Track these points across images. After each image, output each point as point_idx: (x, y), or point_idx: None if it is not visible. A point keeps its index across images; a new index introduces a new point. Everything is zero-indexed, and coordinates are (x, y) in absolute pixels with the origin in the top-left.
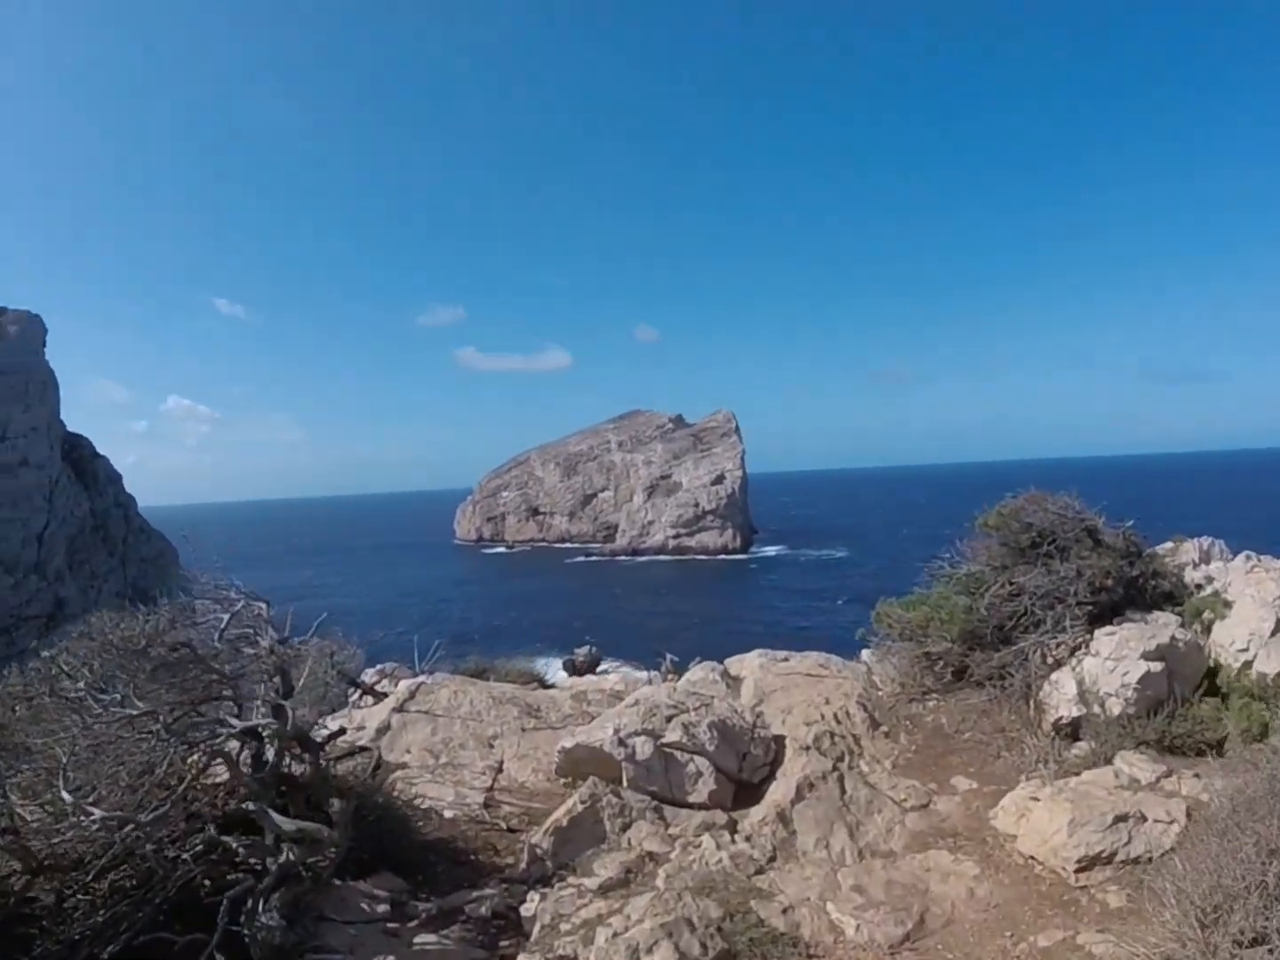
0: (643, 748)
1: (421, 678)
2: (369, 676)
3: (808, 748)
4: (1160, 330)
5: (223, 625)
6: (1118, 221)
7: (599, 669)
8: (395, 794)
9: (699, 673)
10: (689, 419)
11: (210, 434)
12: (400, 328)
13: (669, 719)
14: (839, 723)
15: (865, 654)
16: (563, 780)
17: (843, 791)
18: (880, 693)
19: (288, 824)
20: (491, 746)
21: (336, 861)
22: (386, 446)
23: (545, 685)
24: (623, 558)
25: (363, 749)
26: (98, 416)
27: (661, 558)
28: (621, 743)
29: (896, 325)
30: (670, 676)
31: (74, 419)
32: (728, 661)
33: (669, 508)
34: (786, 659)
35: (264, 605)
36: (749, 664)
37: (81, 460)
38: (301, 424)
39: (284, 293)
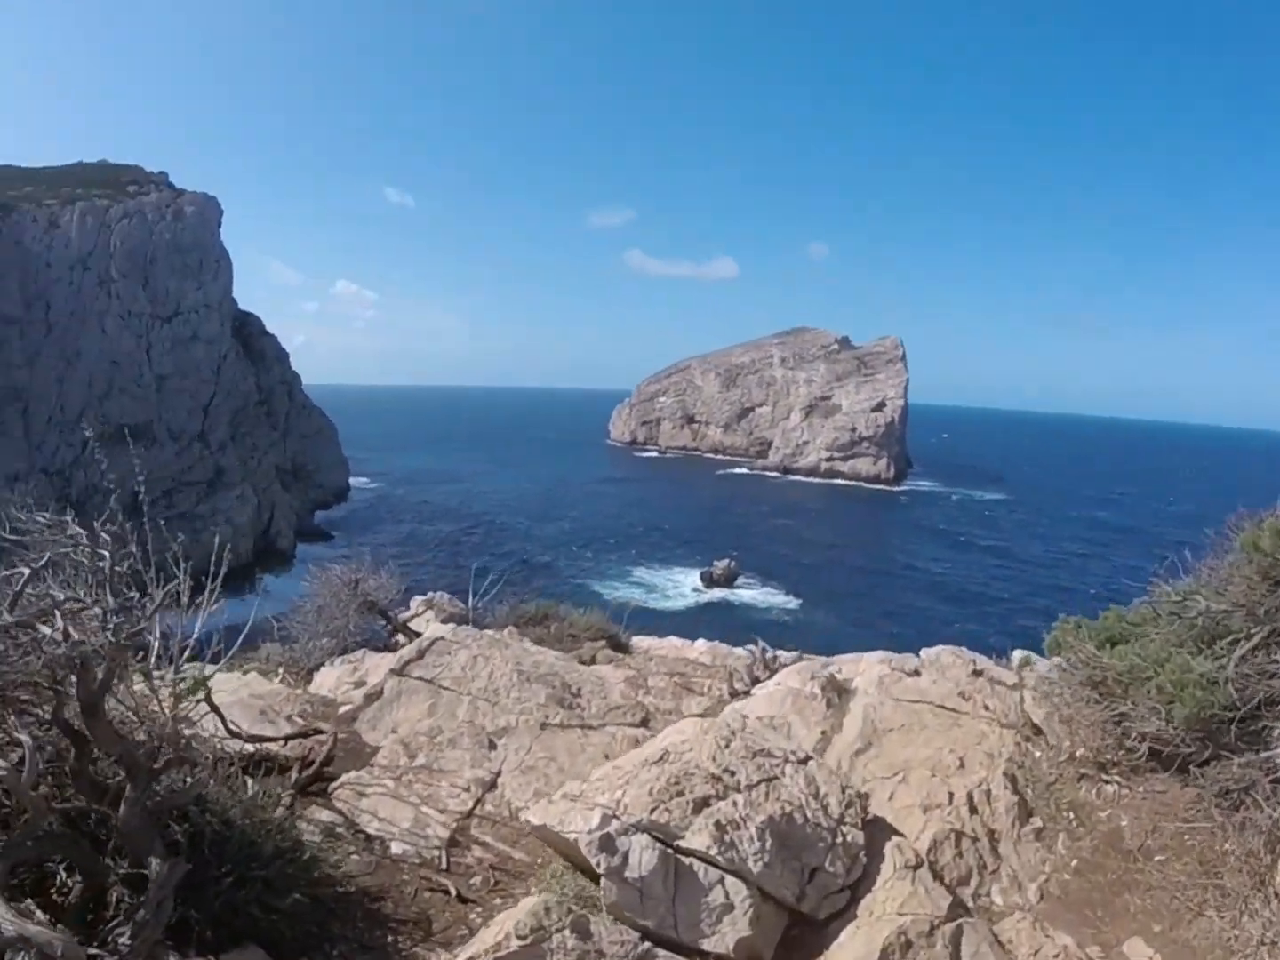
0: (642, 857)
1: (443, 630)
2: (416, 605)
3: (917, 866)
4: None
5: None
6: None
7: (736, 583)
8: (328, 810)
9: (793, 679)
10: (855, 341)
11: (376, 318)
12: (570, 226)
13: (702, 803)
14: (974, 811)
15: (1026, 675)
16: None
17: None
18: (1039, 755)
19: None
20: (494, 746)
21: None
22: (548, 343)
23: (619, 647)
24: (773, 474)
25: (316, 731)
26: (271, 296)
27: (812, 480)
28: (609, 843)
29: (1083, 270)
30: (761, 673)
31: (249, 299)
32: (839, 661)
33: (825, 429)
34: (917, 672)
35: (105, 555)
36: (865, 674)
37: (250, 338)
38: (464, 313)
39: (454, 185)
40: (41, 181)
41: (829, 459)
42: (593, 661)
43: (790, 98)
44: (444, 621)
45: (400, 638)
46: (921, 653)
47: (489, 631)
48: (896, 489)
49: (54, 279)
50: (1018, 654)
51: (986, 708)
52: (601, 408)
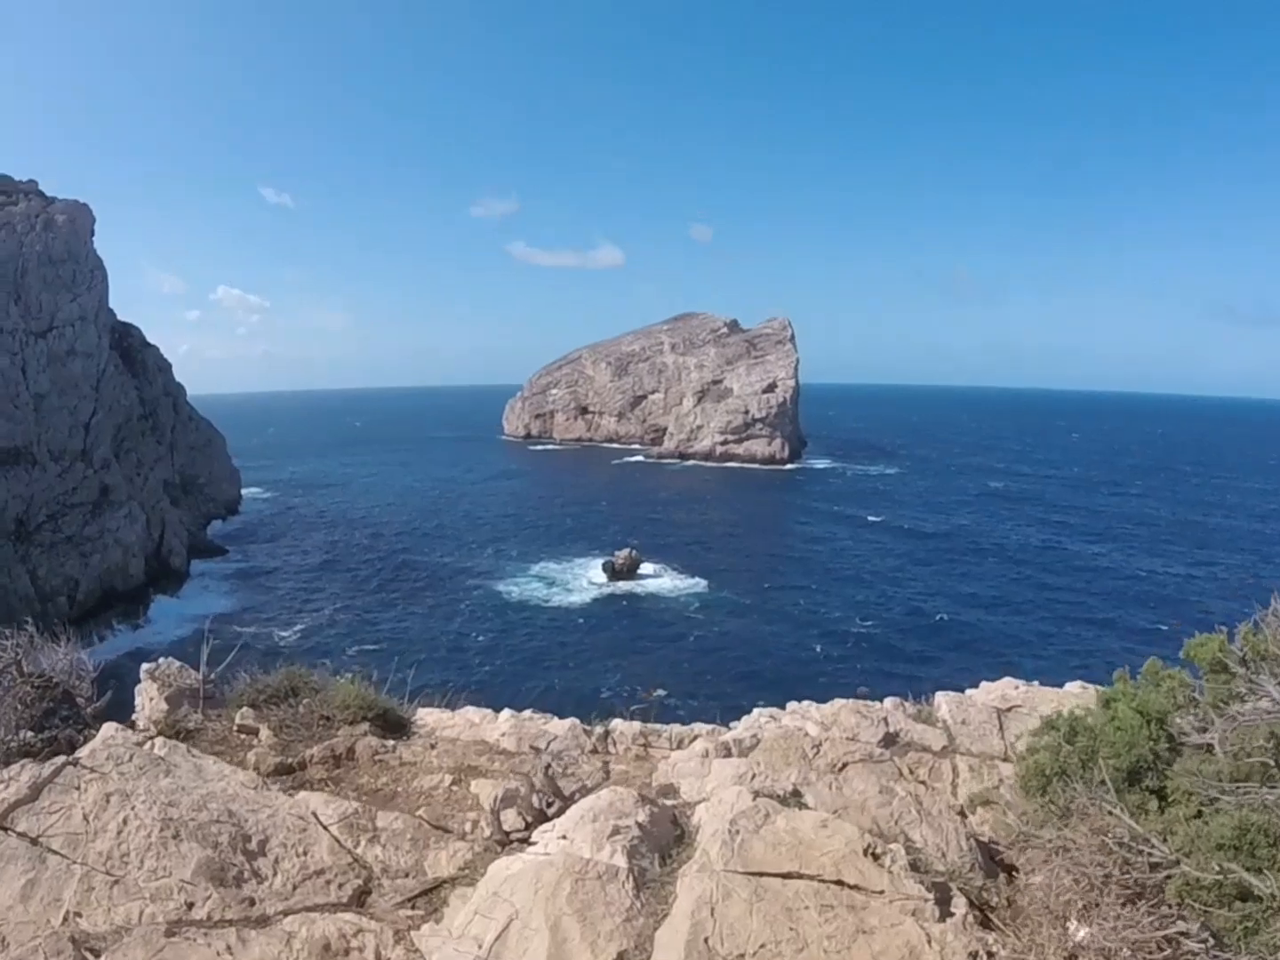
0: None
1: (79, 753)
2: (143, 672)
3: None
4: (1240, 265)
5: None
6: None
7: (639, 571)
8: None
9: (587, 835)
10: (744, 324)
11: (260, 323)
12: (451, 217)
13: None
14: None
15: (962, 734)
16: None
17: None
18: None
19: None
20: None
21: None
22: (436, 340)
23: (394, 726)
24: (669, 461)
25: None
26: (152, 306)
27: (708, 464)
28: None
29: (956, 229)
30: (551, 800)
31: (128, 310)
32: (678, 775)
33: (718, 413)
34: (797, 793)
35: None
36: (715, 807)
37: (131, 349)
38: (350, 314)
39: (331, 181)
40: None
41: (724, 442)
42: (345, 759)
43: (664, 79)
44: (168, 699)
45: (101, 732)
46: (814, 709)
47: (157, 743)
48: (792, 468)
49: None
50: (941, 698)
51: (910, 854)
52: (494, 403)
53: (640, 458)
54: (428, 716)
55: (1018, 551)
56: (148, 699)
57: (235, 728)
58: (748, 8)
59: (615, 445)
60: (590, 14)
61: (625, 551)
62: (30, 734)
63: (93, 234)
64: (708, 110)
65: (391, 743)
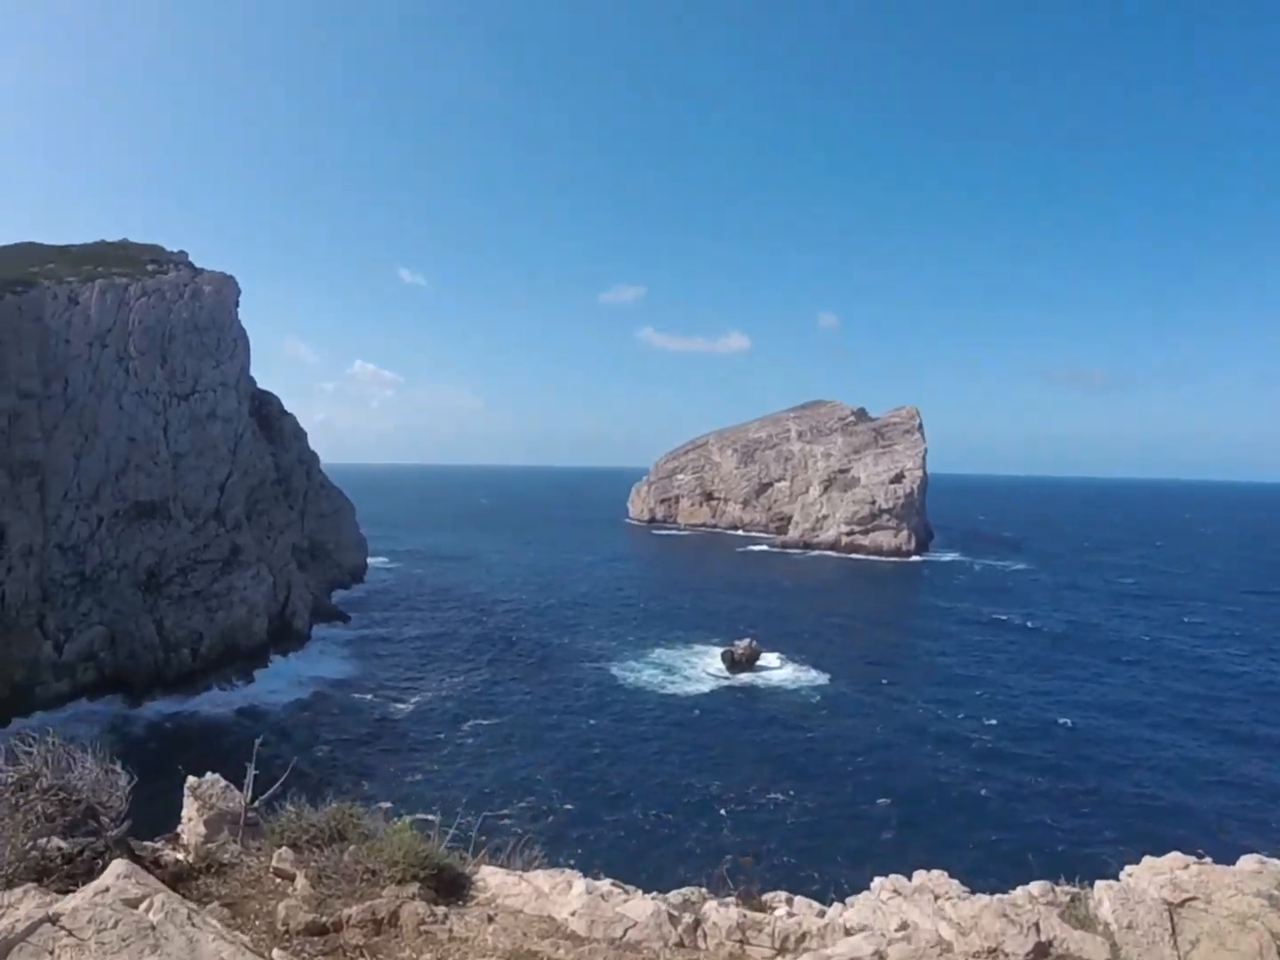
0: None
1: (62, 907)
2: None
3: None
4: None
5: None
6: None
7: (758, 663)
8: None
9: None
10: (872, 412)
11: (393, 397)
12: (581, 303)
13: None
14: None
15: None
16: None
17: None
18: None
19: None
20: None
21: None
22: (564, 420)
23: (450, 887)
24: (794, 550)
25: None
26: (291, 376)
27: (832, 554)
28: None
29: (1093, 324)
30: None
31: (268, 378)
32: None
33: (845, 503)
34: None
35: None
36: None
37: (269, 416)
38: (480, 393)
39: (466, 265)
40: (64, 259)
41: (849, 533)
42: (387, 924)
43: (794, 168)
44: (207, 823)
45: (104, 874)
46: (950, 907)
47: (156, 902)
48: (918, 560)
49: (73, 355)
50: (1103, 890)
51: None
52: (620, 486)
53: (764, 546)
54: (491, 878)
55: (1154, 655)
56: (188, 818)
57: (271, 869)
58: (869, 101)
59: (740, 532)
60: (711, 119)
61: (746, 641)
62: (56, 842)
63: (237, 304)
64: (834, 198)
65: (443, 910)
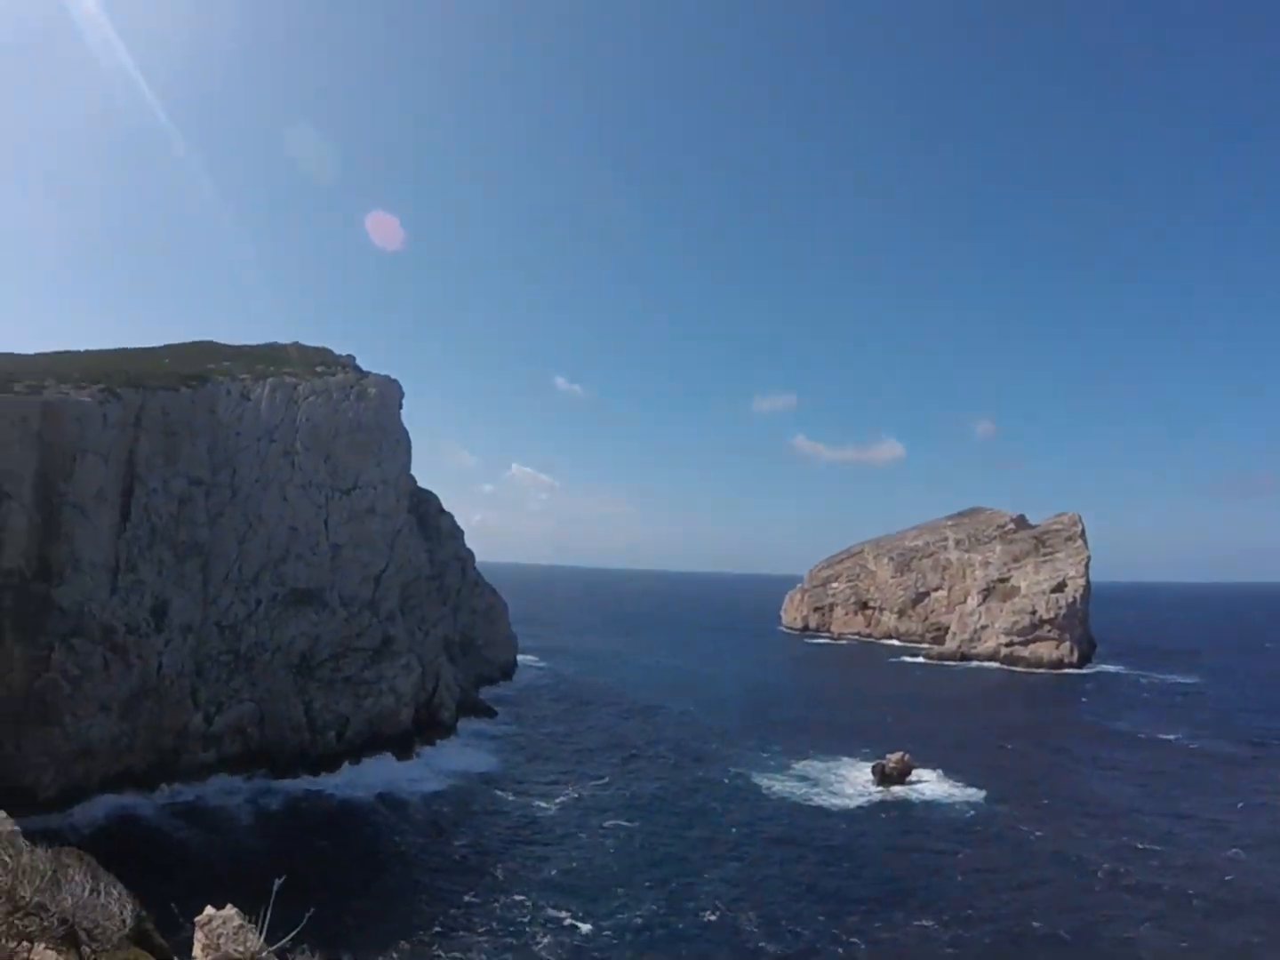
0: None
1: None
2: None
3: None
4: None
5: None
6: None
7: (909, 778)
8: None
9: None
10: (1031, 520)
11: (549, 500)
12: (734, 412)
13: None
14: None
15: None
16: None
17: None
18: None
19: None
20: None
21: None
22: (716, 526)
23: None
24: (950, 661)
25: None
26: (450, 478)
27: (991, 665)
28: None
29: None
30: None
31: (429, 478)
32: None
33: (1004, 613)
34: None
35: None
36: None
37: (427, 514)
38: (633, 497)
39: (620, 374)
40: (238, 358)
41: (1008, 644)
42: None
43: (950, 266)
44: None
45: None
46: None
47: None
48: (1081, 673)
49: (242, 447)
50: None
51: None
52: (772, 593)
53: (920, 658)
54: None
55: None
56: (195, 957)
57: None
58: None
59: (894, 642)
60: (852, 217)
61: (898, 755)
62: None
63: (400, 406)
64: (985, 303)
65: None
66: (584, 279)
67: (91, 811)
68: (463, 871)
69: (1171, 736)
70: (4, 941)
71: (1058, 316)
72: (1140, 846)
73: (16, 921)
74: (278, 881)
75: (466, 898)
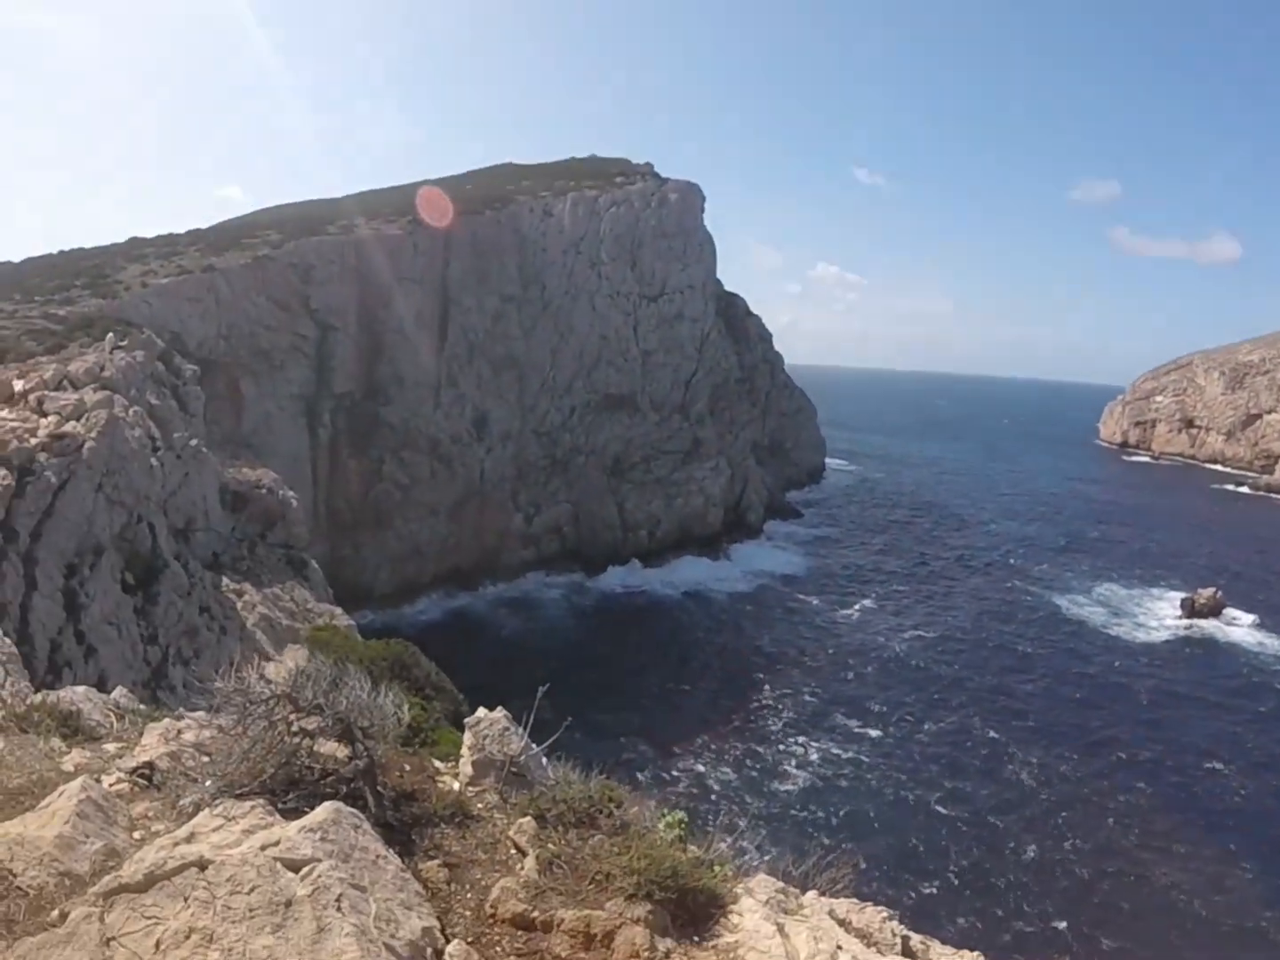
0: None
1: (223, 855)
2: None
3: None
4: None
5: None
6: None
7: (1221, 615)
8: None
9: None
10: None
11: (857, 300)
12: (1048, 202)
13: None
14: None
15: None
16: None
17: None
18: None
19: None
20: None
21: None
22: (1031, 330)
23: (692, 915)
24: (1278, 496)
25: None
26: (755, 279)
27: None
28: None
29: None
30: None
31: (734, 281)
32: None
33: None
34: None
35: None
36: None
37: (735, 318)
38: (945, 298)
39: (923, 164)
40: (538, 176)
41: None
42: (600, 944)
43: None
44: (475, 764)
45: (298, 823)
46: None
47: (318, 872)
48: None
49: (549, 262)
50: None
51: None
52: (1088, 403)
53: (1246, 488)
54: (748, 915)
55: None
56: (462, 755)
57: (510, 839)
58: None
59: (1219, 467)
60: None
61: (1210, 591)
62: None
63: (702, 210)
64: None
65: (667, 946)
66: (871, 52)
67: (423, 608)
68: (761, 669)
69: None
70: (287, 737)
71: None
72: None
73: (296, 720)
74: (541, 690)
75: (762, 696)
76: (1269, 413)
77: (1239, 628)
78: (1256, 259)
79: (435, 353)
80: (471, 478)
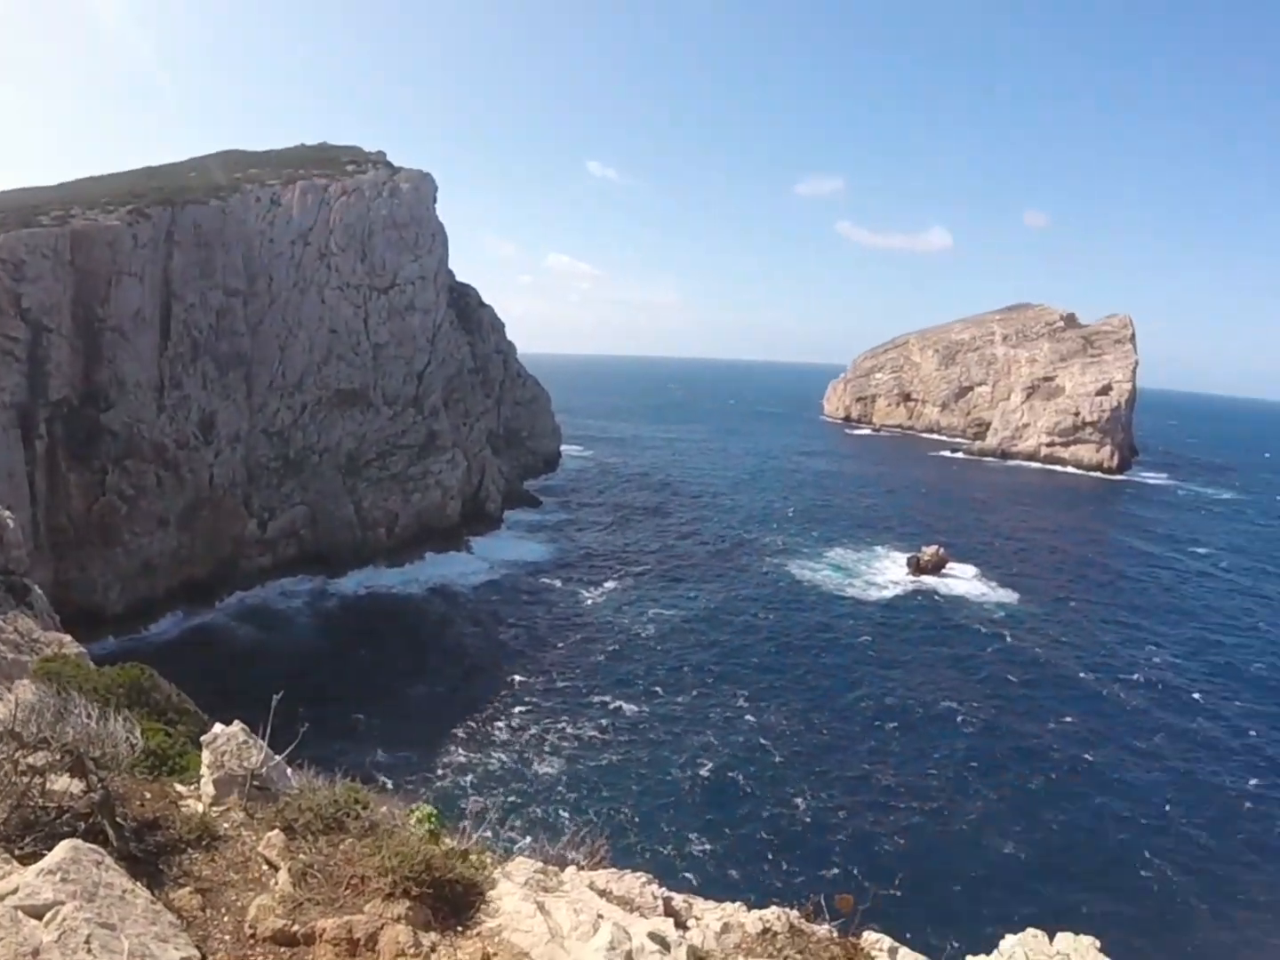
0: None
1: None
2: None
3: None
4: None
5: None
6: None
7: (944, 570)
8: None
9: None
10: (1082, 319)
11: (590, 290)
12: (778, 195)
13: None
14: None
15: None
16: None
17: None
18: None
19: None
20: None
21: None
22: (759, 315)
23: (452, 906)
24: (990, 459)
25: None
26: (488, 270)
27: (1030, 464)
28: None
29: None
30: None
31: (467, 272)
32: None
33: (1046, 413)
34: None
35: None
36: None
37: (468, 308)
38: (676, 287)
39: (655, 158)
40: (265, 163)
41: (1049, 444)
42: (364, 947)
43: (1003, 54)
44: (216, 783)
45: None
46: None
47: (61, 916)
48: (1120, 479)
49: (276, 253)
50: None
51: None
52: (814, 382)
53: (960, 453)
54: (507, 899)
55: None
56: (200, 775)
57: (260, 855)
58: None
59: (935, 436)
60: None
61: (933, 548)
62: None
63: (435, 200)
64: (1040, 88)
65: (432, 939)
66: (609, 57)
67: (163, 627)
68: (510, 657)
69: (1203, 550)
70: (14, 777)
71: (1120, 101)
72: (1171, 660)
73: (23, 758)
74: (275, 697)
75: (514, 683)
76: (979, 385)
77: (961, 580)
78: (965, 248)
79: (158, 352)
80: (201, 484)
